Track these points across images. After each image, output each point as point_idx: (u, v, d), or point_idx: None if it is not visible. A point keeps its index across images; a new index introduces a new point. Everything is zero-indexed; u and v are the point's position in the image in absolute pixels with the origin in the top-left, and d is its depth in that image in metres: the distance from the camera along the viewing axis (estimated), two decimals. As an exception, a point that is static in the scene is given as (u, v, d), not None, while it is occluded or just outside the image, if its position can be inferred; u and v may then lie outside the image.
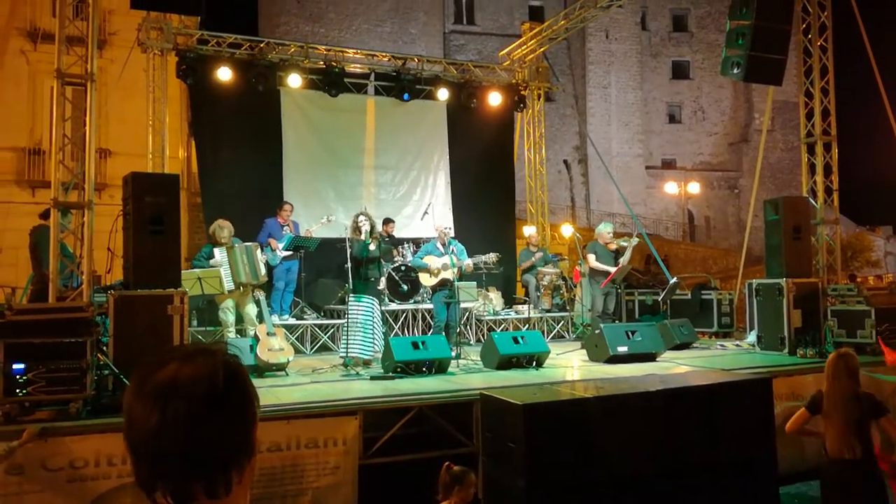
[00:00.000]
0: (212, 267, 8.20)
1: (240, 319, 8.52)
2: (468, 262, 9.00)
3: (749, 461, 5.53)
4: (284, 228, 9.88)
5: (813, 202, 9.58)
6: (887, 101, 9.64)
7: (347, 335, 7.78)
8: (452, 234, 9.42)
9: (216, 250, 8.33)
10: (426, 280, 9.30)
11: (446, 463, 4.57)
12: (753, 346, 9.04)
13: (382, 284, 9.33)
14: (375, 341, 7.91)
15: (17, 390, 5.06)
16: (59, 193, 6.24)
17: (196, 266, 8.38)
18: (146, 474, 1.13)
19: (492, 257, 9.33)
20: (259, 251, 8.63)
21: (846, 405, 4.28)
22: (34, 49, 16.37)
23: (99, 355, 5.55)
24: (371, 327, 7.89)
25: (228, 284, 8.18)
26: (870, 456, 4.23)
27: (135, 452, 1.14)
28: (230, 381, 1.17)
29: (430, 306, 9.98)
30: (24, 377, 5.07)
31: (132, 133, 13.16)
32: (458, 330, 8.89)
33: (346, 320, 7.87)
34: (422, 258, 9.24)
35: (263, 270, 8.59)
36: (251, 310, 8.40)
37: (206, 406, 1.13)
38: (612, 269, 9.66)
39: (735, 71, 8.93)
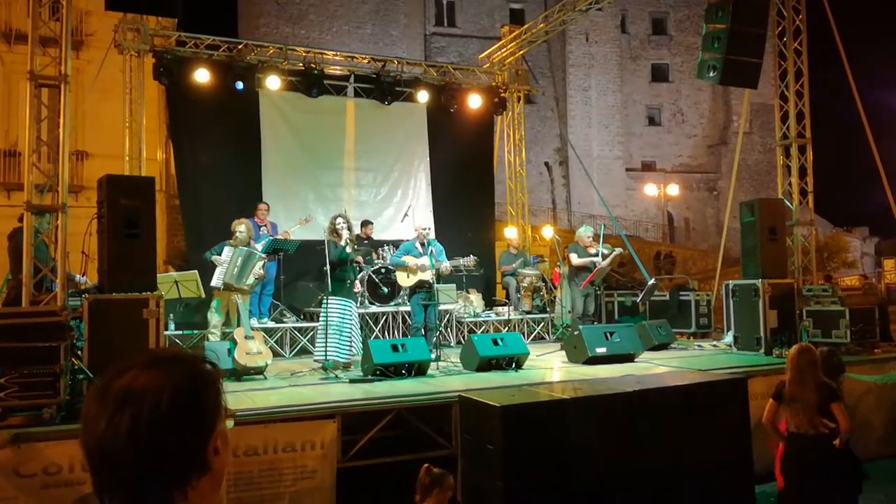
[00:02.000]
0: (215, 262, 8.34)
1: (226, 322, 8.48)
2: (446, 265, 8.92)
3: (726, 460, 5.59)
4: (262, 229, 9.84)
5: (788, 204, 9.70)
6: (860, 103, 9.79)
7: (326, 338, 7.75)
8: (432, 235, 9.36)
9: (226, 249, 8.38)
10: (403, 280, 9.15)
11: (425, 465, 4.56)
12: (730, 346, 9.14)
13: (359, 287, 9.29)
14: (353, 344, 7.88)
15: (-11, 396, 4.99)
16: (32, 196, 6.17)
17: (206, 258, 8.68)
18: (95, 483, 1.12)
19: (470, 260, 9.31)
20: (260, 264, 8.52)
21: (808, 393, 4.52)
22: (9, 49, 16.19)
23: (73, 360, 5.49)
24: (349, 330, 7.86)
25: (217, 281, 8.19)
26: (830, 434, 4.48)
27: (87, 457, 1.12)
28: (181, 396, 1.13)
29: (410, 309, 9.95)
30: (-3, 382, 5.00)
31: (109, 135, 13.04)
32: (437, 332, 8.87)
33: (323, 323, 7.82)
34: (400, 257, 9.09)
35: (251, 280, 8.47)
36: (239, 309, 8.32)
37: (150, 420, 1.10)
38: (595, 263, 9.74)
39: (711, 74, 9.02)
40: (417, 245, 9.05)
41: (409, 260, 8.96)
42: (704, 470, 5.42)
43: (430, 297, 8.84)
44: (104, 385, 1.14)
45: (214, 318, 8.30)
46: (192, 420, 1.14)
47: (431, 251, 8.82)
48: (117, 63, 10.72)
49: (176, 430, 1.12)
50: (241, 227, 8.51)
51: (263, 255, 8.81)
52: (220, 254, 8.41)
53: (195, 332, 8.68)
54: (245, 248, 8.40)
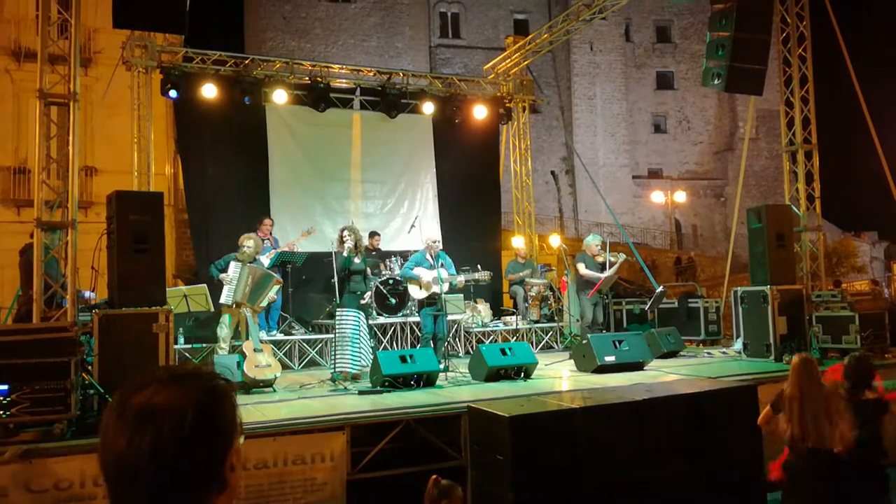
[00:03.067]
0: (222, 279, 8.22)
1: (236, 335, 8.47)
2: (461, 279, 9.01)
3: (736, 468, 5.56)
4: (265, 242, 9.87)
5: (796, 209, 9.68)
6: (866, 107, 9.78)
7: (334, 350, 7.76)
8: (440, 247, 9.39)
9: (232, 264, 8.26)
10: (416, 292, 9.17)
11: (433, 476, 4.56)
12: (740, 353, 9.09)
13: (368, 298, 9.30)
14: (362, 355, 7.89)
15: (1, 412, 5.02)
16: (42, 213, 6.22)
17: (212, 272, 8.55)
18: (113, 499, 1.13)
19: (485, 275, 9.34)
20: (276, 288, 8.50)
21: (807, 403, 4.41)
22: (18, 68, 16.35)
23: (84, 375, 5.53)
24: (358, 341, 7.87)
25: (227, 298, 8.13)
26: (829, 448, 4.38)
27: (105, 474, 1.13)
28: (201, 413, 1.13)
29: (419, 319, 9.97)
30: (8, 398, 5.03)
31: (118, 151, 13.16)
32: (445, 343, 8.88)
33: (334, 334, 7.84)
34: (412, 269, 9.10)
35: (265, 303, 8.48)
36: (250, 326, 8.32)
37: (172, 438, 1.10)
38: (601, 277, 9.72)
39: (716, 82, 9.03)
40: (428, 257, 9.07)
41: (423, 273, 8.95)
42: (715, 478, 5.39)
43: (438, 307, 8.87)
44: (122, 402, 1.14)
45: (224, 332, 8.29)
46: (213, 437, 1.15)
47: (441, 265, 8.90)
48: (125, 79, 10.83)
49: (197, 447, 1.12)
50: (249, 243, 8.47)
51: (279, 279, 8.73)
52: (224, 269, 8.32)
53: (205, 345, 8.70)
54: (260, 269, 8.33)
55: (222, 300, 8.16)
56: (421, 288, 9.02)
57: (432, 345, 8.69)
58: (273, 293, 8.49)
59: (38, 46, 6.49)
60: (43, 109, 6.35)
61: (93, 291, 6.92)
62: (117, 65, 10.61)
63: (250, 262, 8.37)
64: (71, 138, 6.34)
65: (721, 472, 5.42)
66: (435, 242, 9.25)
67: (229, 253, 8.80)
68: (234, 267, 8.25)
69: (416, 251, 10.70)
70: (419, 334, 10.20)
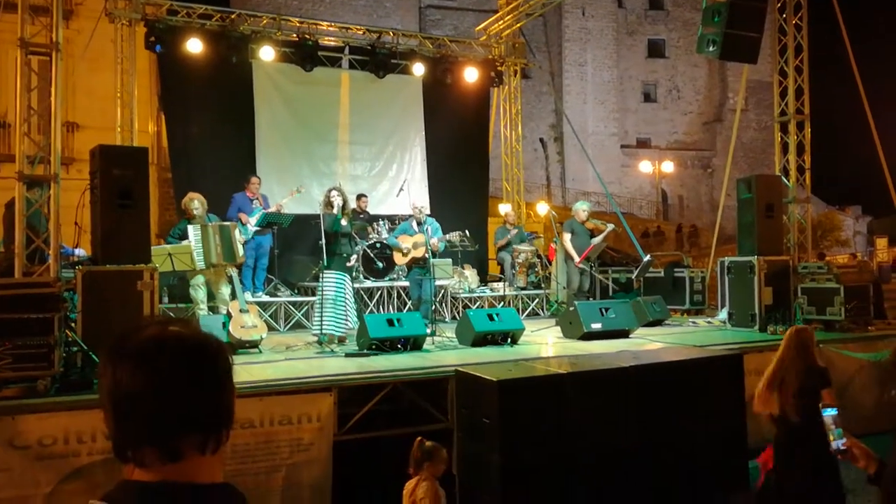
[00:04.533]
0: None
1: (211, 297, 8.39)
2: (434, 240, 9.04)
3: (720, 435, 5.62)
4: (254, 202, 9.74)
5: (785, 181, 9.68)
6: (860, 81, 9.73)
7: (322, 312, 7.72)
8: (427, 212, 9.44)
9: (190, 228, 8.09)
10: (398, 258, 9.47)
11: (418, 438, 4.58)
12: (724, 322, 9.17)
13: (354, 261, 9.28)
14: (348, 317, 7.86)
15: (-17, 367, 4.95)
16: (24, 167, 6.07)
17: (169, 243, 8.17)
18: (133, 439, 1.11)
19: (454, 235, 9.32)
20: (237, 231, 8.44)
21: (797, 376, 4.37)
22: (-2, 18, 15.86)
23: (67, 332, 5.45)
24: (343, 303, 7.83)
25: (200, 263, 8.02)
26: (814, 423, 4.32)
27: (121, 419, 1.11)
28: (213, 348, 1.18)
29: (406, 284, 10.00)
30: (-10, 354, 4.96)
31: (100, 106, 12.86)
32: (432, 306, 8.88)
33: (319, 297, 7.80)
34: (397, 237, 9.37)
35: (242, 251, 8.43)
36: (224, 290, 8.24)
37: (200, 358, 1.14)
38: (582, 253, 9.71)
39: (711, 49, 8.93)
40: (414, 224, 9.27)
41: (403, 240, 9.24)
42: (699, 444, 5.45)
43: (425, 272, 8.88)
44: (126, 344, 1.13)
45: (200, 294, 8.20)
46: (225, 371, 1.19)
47: (427, 229, 8.99)
48: (108, 32, 10.53)
49: (213, 379, 1.16)
50: (195, 204, 8.29)
51: (234, 222, 8.66)
52: (181, 236, 8.15)
53: (189, 305, 8.63)
54: (211, 225, 8.16)
55: (198, 266, 8.00)
56: (402, 255, 9.25)
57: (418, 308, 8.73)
58: (239, 235, 8.42)
59: (17, -6, 6.26)
60: (24, 59, 6.16)
61: (79, 248, 6.80)
62: (100, 17, 10.30)
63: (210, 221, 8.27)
64: (53, 90, 6.15)
65: (705, 438, 5.47)
66: (420, 208, 9.36)
67: (215, 213, 8.70)
68: (192, 231, 8.05)
69: (404, 215, 10.79)
70: (406, 299, 10.26)
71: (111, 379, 1.12)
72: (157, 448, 1.10)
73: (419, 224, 9.24)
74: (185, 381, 1.11)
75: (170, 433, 1.10)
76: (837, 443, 2.56)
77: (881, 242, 28.08)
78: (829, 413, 2.62)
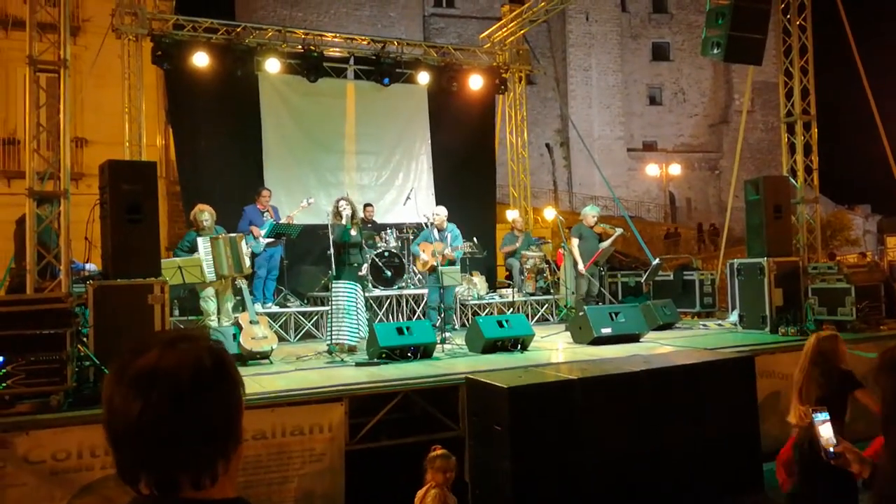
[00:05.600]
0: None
1: (218, 308, 8.43)
2: (448, 251, 9.25)
3: (733, 438, 5.59)
4: (265, 214, 9.78)
5: (793, 181, 9.65)
6: (866, 80, 9.70)
7: (330, 322, 7.74)
8: (441, 220, 9.56)
9: (200, 240, 8.11)
10: (418, 265, 9.90)
11: (434, 446, 4.59)
12: (735, 325, 9.12)
13: (365, 270, 9.33)
14: (360, 327, 7.87)
15: (-3, 383, 4.98)
16: (34, 183, 6.13)
17: (177, 256, 8.22)
18: (129, 464, 1.10)
19: (465, 246, 9.54)
20: (244, 242, 8.49)
21: (817, 384, 4.28)
22: (6, 36, 16.04)
23: (79, 346, 5.49)
24: (354, 312, 7.84)
25: (210, 275, 8.06)
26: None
27: (116, 442, 1.11)
28: (215, 367, 1.15)
29: (415, 292, 10.12)
30: (3, 370, 4.99)
31: (108, 121, 12.96)
32: (440, 313, 8.90)
33: (330, 307, 7.82)
34: (418, 244, 9.71)
35: (248, 262, 8.48)
36: (228, 302, 8.28)
37: (191, 392, 1.10)
38: (591, 257, 9.71)
39: (715, 51, 8.92)
40: (435, 232, 9.43)
41: (424, 247, 9.53)
42: (712, 448, 5.42)
43: (436, 279, 9.01)
44: (123, 368, 1.12)
45: (211, 306, 8.23)
46: (228, 391, 1.16)
47: (447, 236, 9.30)
48: (115, 48, 10.64)
49: (215, 401, 1.13)
50: (205, 216, 8.33)
51: (241, 234, 8.71)
52: (191, 248, 8.18)
53: (200, 317, 8.65)
54: (221, 237, 8.20)
55: (208, 279, 8.03)
56: (422, 264, 9.64)
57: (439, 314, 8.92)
58: (246, 247, 8.46)
59: (25, 14, 6.34)
60: (32, 77, 6.23)
61: (90, 263, 6.84)
62: (107, 33, 10.41)
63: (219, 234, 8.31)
64: (62, 107, 6.22)
65: (718, 442, 5.44)
66: (435, 216, 9.58)
67: (224, 225, 8.73)
68: (202, 243, 8.07)
69: (411, 223, 10.89)
70: (415, 307, 10.31)
71: (107, 407, 1.12)
72: (151, 479, 1.09)
73: (440, 231, 9.42)
74: (175, 414, 1.08)
75: (161, 466, 1.09)
76: (829, 448, 2.51)
77: (892, 241, 27.83)
78: (820, 418, 2.57)
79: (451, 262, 9.23)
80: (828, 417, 2.54)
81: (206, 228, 8.32)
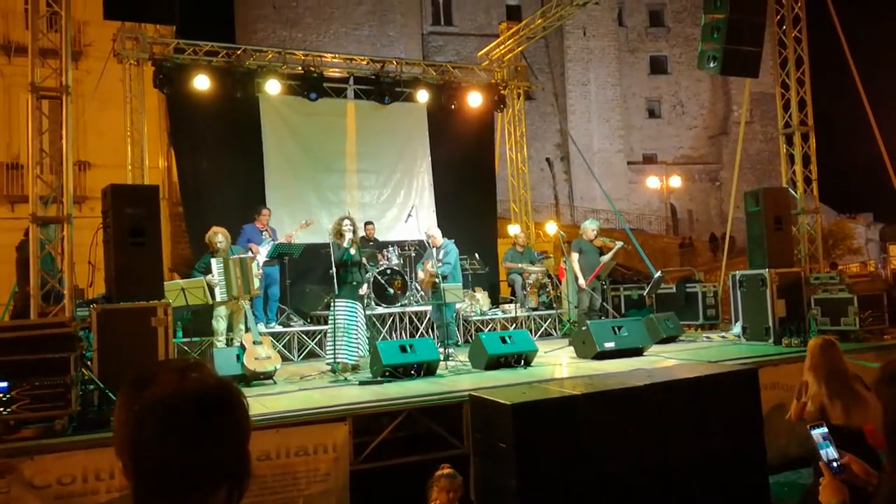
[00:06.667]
0: (209, 280, 8.12)
1: (230, 328, 8.46)
2: (427, 266, 9.54)
3: (738, 451, 5.57)
4: (263, 233, 9.83)
5: (793, 192, 9.67)
6: (862, 88, 9.75)
7: (334, 341, 7.74)
8: (435, 238, 9.63)
9: (213, 262, 8.21)
10: (421, 284, 10.18)
11: (443, 464, 4.59)
12: (739, 337, 9.11)
13: (366, 288, 9.34)
14: (360, 345, 7.87)
15: (1, 409, 4.99)
16: (37, 208, 6.18)
17: (194, 277, 8.34)
18: (143, 491, 1.12)
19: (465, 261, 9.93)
20: (255, 264, 8.54)
21: (826, 380, 4.38)
22: (8, 62, 16.21)
23: (83, 370, 5.50)
24: (354, 330, 7.84)
25: (222, 296, 8.14)
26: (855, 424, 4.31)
27: (130, 469, 1.12)
28: (228, 397, 1.16)
29: (417, 309, 10.19)
30: (8, 395, 5.00)
31: (111, 144, 13.06)
32: (445, 329, 8.92)
33: (330, 325, 7.83)
34: (423, 263, 9.97)
35: (257, 283, 8.54)
36: (241, 324, 8.33)
37: (204, 421, 1.12)
38: (593, 271, 9.71)
39: (711, 65, 8.99)
40: (433, 251, 9.57)
41: (424, 266, 9.79)
42: (717, 462, 5.40)
43: (437, 297, 9.00)
44: (134, 395, 1.13)
45: (221, 326, 8.28)
46: (240, 420, 1.18)
47: (441, 254, 9.48)
48: (117, 72, 10.74)
49: (231, 430, 1.15)
50: (219, 238, 8.40)
51: (252, 255, 8.81)
52: (206, 269, 8.28)
53: (203, 339, 8.67)
54: (233, 258, 8.29)
55: (218, 300, 8.14)
56: (423, 281, 9.87)
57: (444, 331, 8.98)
58: (256, 269, 8.52)
59: (28, 40, 6.42)
60: (35, 103, 6.29)
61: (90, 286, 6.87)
62: (108, 57, 10.51)
63: (232, 254, 8.37)
64: (64, 132, 6.28)
65: (723, 456, 5.42)
66: (429, 236, 9.74)
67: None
68: (216, 265, 8.19)
69: (412, 241, 10.98)
70: (418, 325, 10.32)
71: (119, 434, 1.12)
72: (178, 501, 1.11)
73: (437, 250, 9.54)
74: (209, 436, 1.11)
75: (174, 493, 1.10)
76: (832, 462, 2.37)
77: (895, 249, 27.84)
78: (818, 431, 2.44)
79: (444, 279, 9.25)
80: (826, 431, 2.47)
81: (220, 250, 8.38)
